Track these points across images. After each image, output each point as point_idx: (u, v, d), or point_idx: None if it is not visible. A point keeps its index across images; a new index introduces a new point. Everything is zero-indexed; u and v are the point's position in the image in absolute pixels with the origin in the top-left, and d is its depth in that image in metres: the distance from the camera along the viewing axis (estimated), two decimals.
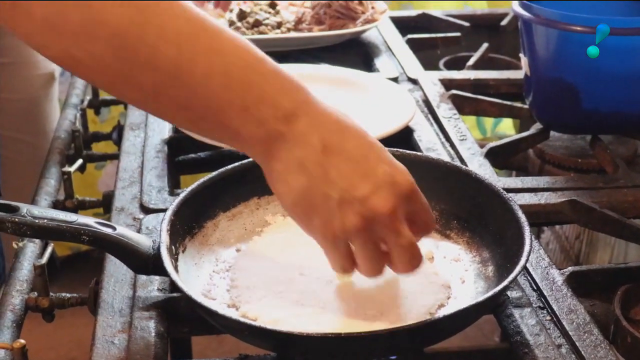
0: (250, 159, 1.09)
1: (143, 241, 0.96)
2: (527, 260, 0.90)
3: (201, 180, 1.05)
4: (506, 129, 2.71)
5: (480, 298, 0.87)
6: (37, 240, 1.16)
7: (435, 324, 0.84)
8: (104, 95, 1.70)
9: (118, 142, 1.45)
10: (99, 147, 1.60)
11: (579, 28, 1.25)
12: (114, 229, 0.95)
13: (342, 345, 0.83)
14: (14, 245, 1.16)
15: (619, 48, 1.25)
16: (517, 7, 1.33)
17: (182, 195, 1.01)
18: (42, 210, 0.93)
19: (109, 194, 1.25)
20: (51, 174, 1.35)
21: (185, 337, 1.84)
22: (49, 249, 1.09)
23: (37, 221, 0.91)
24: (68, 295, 1.04)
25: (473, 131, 2.70)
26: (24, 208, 0.92)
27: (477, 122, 2.73)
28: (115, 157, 1.39)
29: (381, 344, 0.84)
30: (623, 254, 1.93)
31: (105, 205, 1.27)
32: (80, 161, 1.39)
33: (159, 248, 0.93)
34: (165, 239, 0.94)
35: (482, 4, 2.64)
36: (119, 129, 1.49)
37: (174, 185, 1.27)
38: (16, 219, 0.91)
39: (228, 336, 0.91)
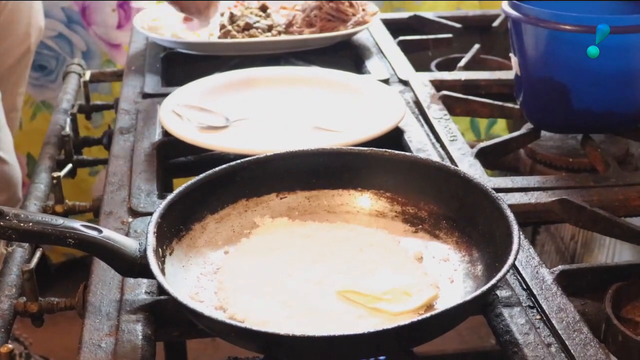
0: (238, 162, 1.09)
1: (129, 244, 0.95)
2: (515, 259, 0.89)
3: (189, 182, 1.04)
4: (500, 130, 2.72)
5: (468, 297, 0.86)
6: (26, 245, 1.16)
7: (422, 324, 0.83)
8: (95, 101, 1.70)
9: (108, 147, 1.44)
10: (91, 152, 1.60)
11: (568, 27, 1.24)
12: (100, 231, 0.94)
13: (329, 346, 0.83)
14: (3, 250, 1.16)
15: (610, 47, 1.24)
16: (506, 7, 1.33)
17: (169, 198, 1.01)
18: (27, 214, 0.93)
19: (100, 199, 1.24)
20: (41, 179, 1.35)
21: (178, 341, 1.84)
22: (38, 254, 1.08)
23: (22, 225, 0.91)
24: (57, 300, 1.04)
25: (467, 133, 2.71)
26: (10, 212, 0.92)
27: (471, 124, 2.74)
28: (106, 162, 1.38)
29: (369, 345, 0.83)
30: (618, 254, 1.93)
31: (95, 210, 1.27)
32: (69, 166, 1.39)
33: (145, 250, 0.93)
34: (151, 241, 0.93)
35: (474, 4, 2.64)
36: (109, 134, 1.49)
37: (163, 189, 1.27)
38: (1, 223, 0.90)
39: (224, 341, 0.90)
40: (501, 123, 2.72)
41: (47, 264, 2.78)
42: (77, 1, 2.58)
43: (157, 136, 1.37)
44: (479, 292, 0.86)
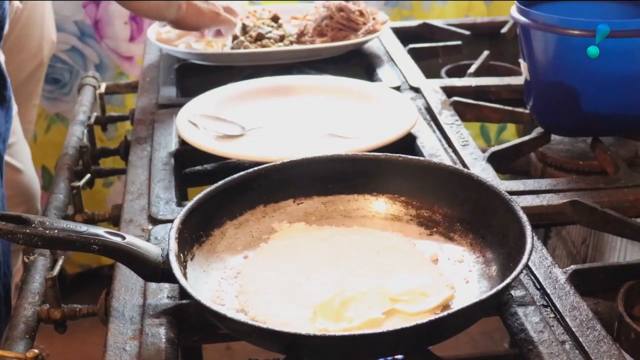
0: (256, 168, 1.12)
1: (152, 249, 0.97)
2: (528, 259, 0.91)
3: (208, 189, 1.07)
4: (510, 136, 2.73)
5: (483, 296, 0.88)
6: (47, 254, 1.18)
7: (440, 323, 0.85)
8: (110, 112, 1.73)
9: (125, 157, 1.47)
10: (106, 164, 1.62)
11: (576, 32, 1.26)
12: (124, 238, 0.96)
13: (350, 345, 0.85)
14: (25, 260, 1.18)
15: (618, 50, 1.27)
16: (515, 13, 1.35)
17: (189, 205, 1.03)
18: (52, 222, 0.95)
19: (118, 207, 1.27)
20: (60, 190, 1.37)
21: (196, 346, 1.86)
22: (60, 262, 1.11)
23: (47, 232, 0.93)
24: (79, 306, 1.06)
25: (477, 139, 2.72)
26: (35, 219, 0.94)
27: (481, 130, 2.75)
28: (123, 172, 1.41)
29: (388, 343, 0.85)
30: (629, 256, 1.94)
31: (114, 219, 1.29)
32: (88, 176, 1.41)
33: (167, 256, 0.95)
34: (173, 246, 0.96)
35: (482, 11, 2.66)
36: (126, 144, 1.51)
37: (181, 197, 1.29)
38: (27, 230, 0.92)
39: (238, 348, 0.92)
40: (511, 129, 2.74)
41: (63, 275, 2.80)
42: (90, 14, 2.61)
43: (174, 145, 1.39)
44: (493, 291, 0.88)
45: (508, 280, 0.88)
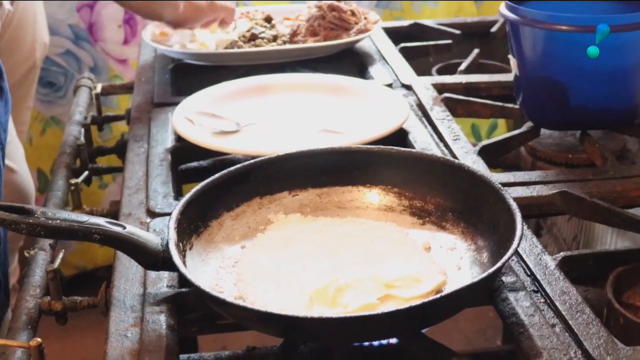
0: (252, 161, 1.14)
1: (152, 239, 1.00)
2: (518, 244, 0.93)
3: (205, 181, 1.09)
4: (501, 135, 2.75)
5: (474, 279, 0.91)
6: (47, 248, 1.20)
7: (433, 305, 0.87)
8: (106, 112, 1.75)
9: (122, 156, 1.49)
10: (102, 164, 1.64)
11: (564, 27, 1.29)
12: (124, 227, 0.99)
13: (346, 328, 0.87)
14: (26, 254, 1.20)
15: (605, 45, 1.28)
16: (504, 10, 1.38)
17: (187, 196, 1.05)
18: (54, 212, 0.97)
19: (116, 203, 1.29)
20: (58, 187, 1.39)
21: (192, 344, 1.87)
22: (61, 255, 1.12)
23: (50, 222, 0.95)
24: (80, 298, 1.08)
25: (468, 138, 2.73)
26: (37, 210, 0.96)
27: (472, 129, 2.77)
28: (120, 169, 1.43)
29: (382, 325, 0.88)
30: None
31: (112, 214, 1.31)
32: (86, 173, 1.43)
33: (167, 244, 0.97)
34: (173, 235, 0.98)
35: (472, 12, 2.69)
36: (123, 143, 1.53)
37: (178, 192, 1.31)
38: (30, 220, 0.95)
39: (233, 341, 0.94)
40: (502, 127, 2.76)
41: (59, 276, 2.81)
42: (84, 18, 2.63)
43: (171, 142, 1.42)
44: (484, 274, 0.91)
45: (499, 264, 0.91)
